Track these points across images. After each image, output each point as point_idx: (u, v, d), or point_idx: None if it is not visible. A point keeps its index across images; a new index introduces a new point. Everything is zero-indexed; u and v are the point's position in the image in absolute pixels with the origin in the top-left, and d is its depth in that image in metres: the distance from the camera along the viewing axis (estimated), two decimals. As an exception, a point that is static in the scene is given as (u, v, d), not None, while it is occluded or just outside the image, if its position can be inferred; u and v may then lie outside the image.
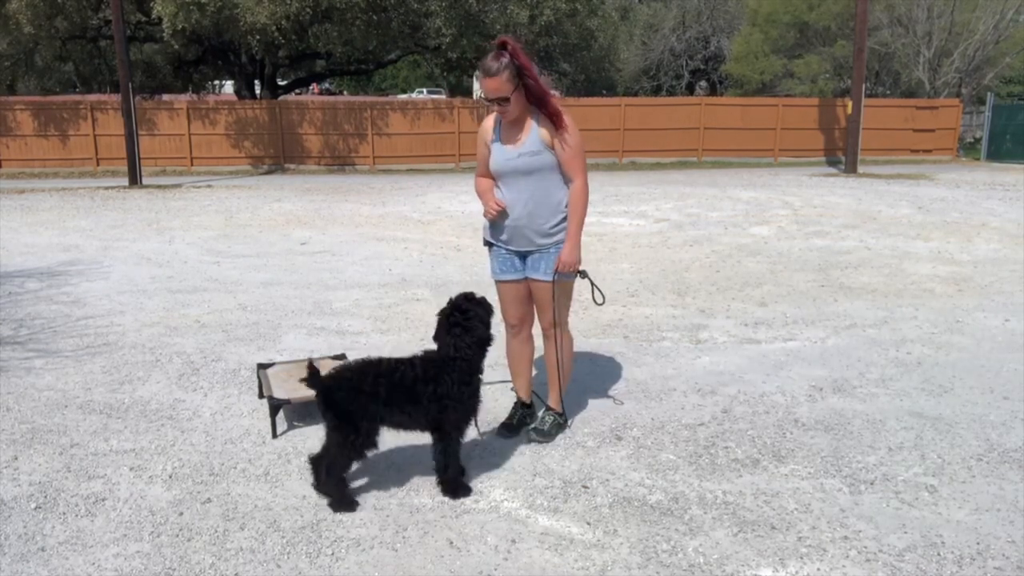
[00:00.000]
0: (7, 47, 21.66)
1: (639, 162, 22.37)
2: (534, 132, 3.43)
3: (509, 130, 3.50)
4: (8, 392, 4.39)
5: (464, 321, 3.12)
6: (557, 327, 3.66)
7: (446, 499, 3.16)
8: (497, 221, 3.57)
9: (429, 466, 3.28)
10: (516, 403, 3.89)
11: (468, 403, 3.15)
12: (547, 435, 3.69)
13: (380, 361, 3.14)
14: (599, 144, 21.93)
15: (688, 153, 22.73)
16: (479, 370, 3.20)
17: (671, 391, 4.38)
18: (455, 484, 3.17)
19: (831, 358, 4.94)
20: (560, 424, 3.79)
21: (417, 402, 3.06)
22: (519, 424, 3.80)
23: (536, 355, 3.99)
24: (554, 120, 3.41)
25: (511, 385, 3.99)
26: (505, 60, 3.28)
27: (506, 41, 3.32)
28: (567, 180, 3.50)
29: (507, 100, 3.33)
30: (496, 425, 3.83)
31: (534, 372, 3.99)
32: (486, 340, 3.18)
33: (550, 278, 3.55)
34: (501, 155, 3.49)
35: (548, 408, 3.83)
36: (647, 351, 5.12)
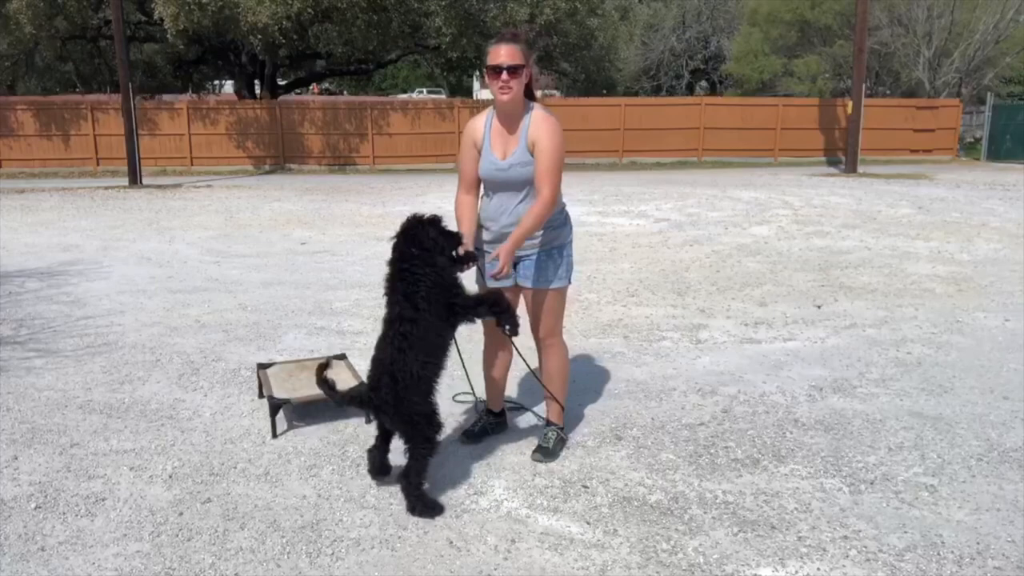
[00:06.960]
0: (7, 47, 21.67)
1: (639, 162, 22.37)
2: (523, 141, 3.29)
3: (499, 136, 3.36)
4: (8, 392, 4.39)
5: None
6: (555, 336, 3.54)
7: (445, 499, 3.16)
8: (488, 227, 3.45)
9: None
10: (483, 411, 3.81)
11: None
12: (552, 454, 3.52)
13: None
14: (599, 144, 21.93)
15: (688, 153, 22.71)
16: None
17: (671, 391, 4.38)
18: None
19: (831, 358, 4.94)
20: (563, 440, 3.65)
21: None
22: (481, 432, 3.70)
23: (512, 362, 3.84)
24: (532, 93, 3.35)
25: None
26: (520, 35, 3.30)
27: (516, 32, 3.36)
28: (537, 189, 3.25)
29: (521, 68, 3.20)
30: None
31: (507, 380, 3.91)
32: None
33: (539, 284, 3.44)
34: (490, 164, 3.36)
35: (549, 423, 3.66)
36: (647, 351, 5.12)
